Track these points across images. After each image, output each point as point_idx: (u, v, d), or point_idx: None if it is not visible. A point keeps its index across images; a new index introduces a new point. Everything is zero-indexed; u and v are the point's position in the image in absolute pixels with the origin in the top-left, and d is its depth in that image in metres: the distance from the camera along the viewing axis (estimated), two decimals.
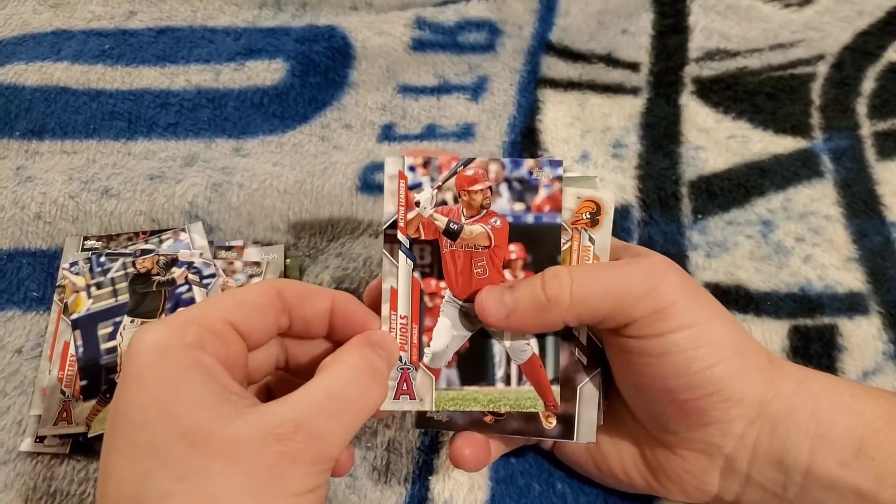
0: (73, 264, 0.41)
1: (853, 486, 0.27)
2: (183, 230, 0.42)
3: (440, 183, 0.30)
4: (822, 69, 0.47)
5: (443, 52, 0.50)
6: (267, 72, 0.49)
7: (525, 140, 0.46)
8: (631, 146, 0.45)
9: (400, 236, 0.30)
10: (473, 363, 0.30)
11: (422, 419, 0.31)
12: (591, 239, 0.30)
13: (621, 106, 0.47)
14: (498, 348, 0.30)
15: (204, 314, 0.26)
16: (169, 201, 0.42)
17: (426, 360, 0.30)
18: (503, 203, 0.30)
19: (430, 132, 0.47)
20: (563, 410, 0.31)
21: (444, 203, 0.30)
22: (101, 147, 0.47)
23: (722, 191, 0.43)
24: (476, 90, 0.49)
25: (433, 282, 0.30)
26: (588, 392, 0.31)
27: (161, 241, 0.41)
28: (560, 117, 0.47)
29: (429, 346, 0.30)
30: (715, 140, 0.45)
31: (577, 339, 0.31)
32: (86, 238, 0.42)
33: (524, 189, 0.30)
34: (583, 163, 0.45)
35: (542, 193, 0.30)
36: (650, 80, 0.48)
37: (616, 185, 0.43)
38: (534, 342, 0.30)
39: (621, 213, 0.42)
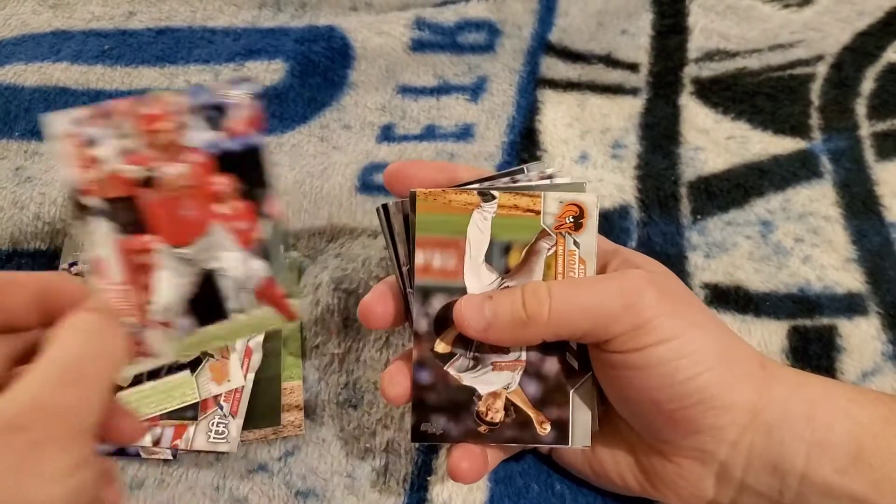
0: (72, 264, 0.41)
1: (850, 493, 0.27)
2: None
3: (124, 131, 0.27)
4: (822, 70, 0.47)
5: (442, 52, 0.50)
6: (266, 72, 0.49)
7: (524, 140, 0.46)
8: (630, 147, 0.45)
9: (88, 200, 0.27)
10: (206, 304, 0.29)
11: (416, 433, 0.31)
12: (575, 243, 0.30)
13: (620, 106, 0.47)
14: (226, 282, 0.29)
15: None
16: None
17: (155, 316, 0.28)
18: (199, 135, 0.27)
19: (429, 133, 0.47)
20: (556, 416, 0.31)
21: (132, 152, 0.27)
22: None
23: (721, 191, 0.43)
24: (475, 91, 0.49)
25: (138, 238, 0.27)
26: (581, 396, 0.31)
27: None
28: (559, 118, 0.47)
29: (154, 301, 0.28)
30: (714, 140, 0.45)
31: (567, 344, 0.31)
32: None
33: (219, 115, 0.27)
34: (582, 163, 0.45)
35: (240, 115, 0.28)
36: (649, 80, 0.48)
37: (615, 185, 0.43)
38: (262, 265, 0.29)
39: (620, 214, 0.42)
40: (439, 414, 0.31)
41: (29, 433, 0.22)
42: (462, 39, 0.50)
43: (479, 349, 0.31)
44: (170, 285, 0.28)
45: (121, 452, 0.36)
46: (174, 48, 0.51)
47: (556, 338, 0.29)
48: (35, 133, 0.47)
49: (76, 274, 0.40)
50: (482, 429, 0.31)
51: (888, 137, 0.43)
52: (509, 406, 0.31)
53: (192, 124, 0.27)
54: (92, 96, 0.48)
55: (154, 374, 0.37)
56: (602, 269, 0.31)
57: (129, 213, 0.27)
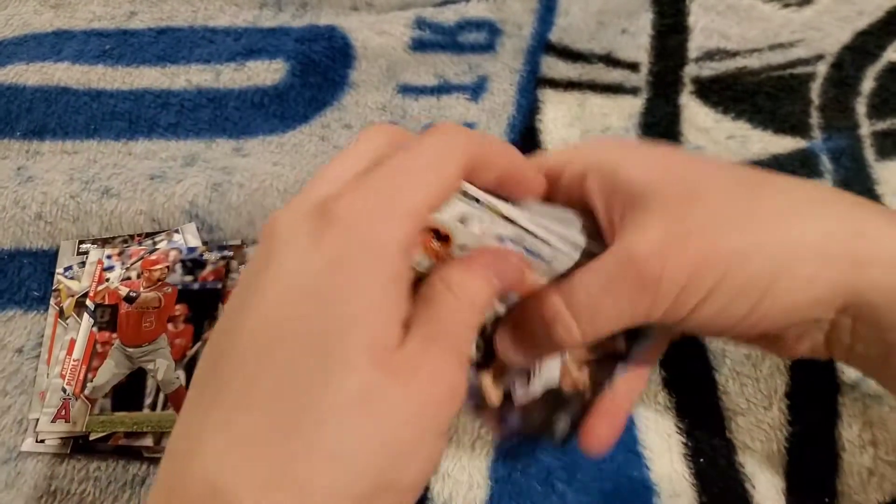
0: (67, 269, 0.41)
1: None
2: (176, 231, 0.42)
3: (129, 265, 0.41)
4: (822, 69, 0.47)
5: (443, 52, 0.50)
6: (267, 72, 0.49)
7: (525, 140, 0.46)
8: None
9: (87, 302, 0.40)
10: (127, 394, 0.37)
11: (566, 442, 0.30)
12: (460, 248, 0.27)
13: (621, 106, 0.47)
14: (150, 382, 0.37)
15: (416, 196, 0.23)
16: (169, 201, 0.42)
17: (87, 391, 0.37)
18: (176, 277, 0.40)
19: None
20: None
21: (129, 279, 0.40)
22: (101, 147, 0.47)
23: None
24: (476, 90, 0.49)
25: (107, 334, 0.39)
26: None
27: (155, 243, 0.41)
28: (560, 117, 0.47)
29: (92, 381, 0.37)
30: (714, 140, 0.45)
31: None
32: (81, 241, 0.42)
33: (195, 266, 0.40)
34: None
35: (209, 268, 0.40)
36: (650, 79, 0.48)
37: None
38: (183, 376, 0.37)
39: None
40: (557, 423, 0.30)
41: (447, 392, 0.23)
42: (462, 39, 0.51)
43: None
44: (109, 372, 0.38)
45: (122, 452, 0.36)
46: (175, 48, 0.51)
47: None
48: (36, 133, 0.47)
49: (71, 279, 0.41)
50: (588, 395, 0.30)
51: (888, 137, 0.43)
52: (582, 360, 0.30)
53: (175, 269, 0.40)
54: (93, 96, 0.48)
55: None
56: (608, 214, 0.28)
57: (108, 315, 0.39)
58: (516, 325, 0.28)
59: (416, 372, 0.22)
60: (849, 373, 0.36)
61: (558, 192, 0.29)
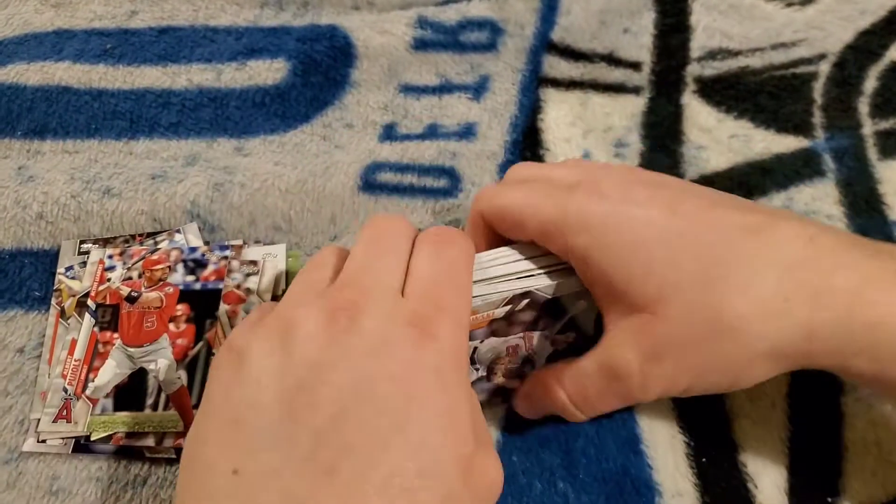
0: (68, 268, 0.41)
1: None
2: (178, 231, 0.42)
3: (130, 265, 0.41)
4: (824, 68, 0.47)
5: (444, 51, 0.50)
6: (268, 71, 0.49)
7: (527, 140, 0.46)
8: (633, 145, 0.45)
9: (89, 302, 0.40)
10: (129, 394, 0.37)
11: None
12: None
13: (623, 105, 0.47)
14: (152, 382, 0.37)
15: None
16: (171, 201, 0.42)
17: (88, 391, 0.37)
18: (178, 277, 0.40)
19: (431, 132, 0.47)
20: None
21: (130, 278, 0.40)
22: (102, 147, 0.47)
23: (724, 190, 0.42)
24: (478, 89, 0.48)
25: (108, 333, 0.39)
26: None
27: (156, 243, 0.41)
28: (562, 117, 0.47)
29: (93, 381, 0.37)
30: (717, 139, 0.45)
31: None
32: (82, 241, 0.42)
33: (196, 266, 0.40)
34: None
35: (211, 268, 0.40)
36: (652, 79, 0.48)
37: None
38: (184, 376, 0.37)
39: None
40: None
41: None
42: (464, 38, 0.50)
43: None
44: (110, 372, 0.38)
45: (124, 452, 0.36)
46: (176, 47, 0.51)
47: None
48: (37, 132, 0.47)
49: (72, 279, 0.41)
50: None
51: (891, 136, 0.43)
52: None
53: (177, 269, 0.40)
54: (94, 95, 0.48)
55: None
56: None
57: (109, 315, 0.39)
58: (530, 402, 0.34)
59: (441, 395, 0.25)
60: None
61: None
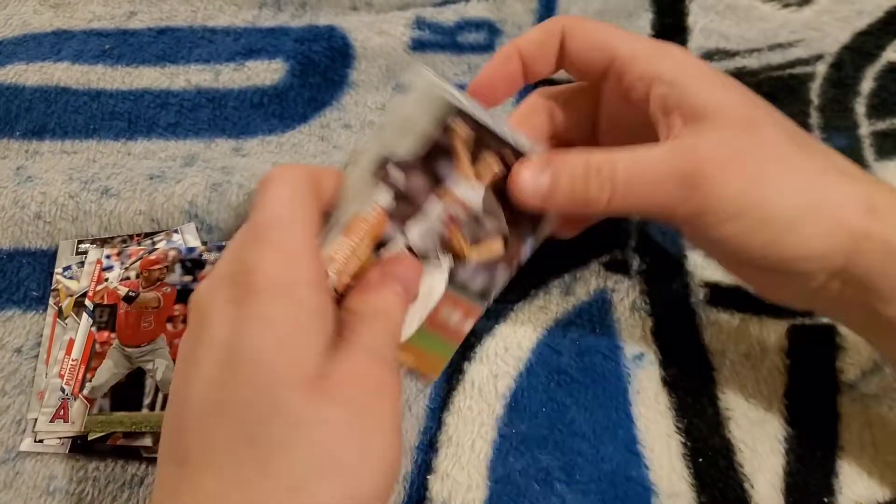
0: (66, 269, 0.41)
1: None
2: (175, 231, 0.42)
3: (128, 265, 0.40)
4: (821, 69, 0.47)
5: (442, 52, 0.50)
6: (266, 72, 0.49)
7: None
8: None
9: (86, 302, 0.39)
10: (126, 394, 0.37)
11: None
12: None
13: None
14: (149, 382, 0.37)
15: (304, 234, 0.27)
16: (169, 201, 0.42)
17: (85, 391, 0.37)
18: (175, 277, 0.40)
19: None
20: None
21: (128, 278, 0.40)
22: (101, 147, 0.47)
23: None
24: None
25: (106, 333, 0.39)
26: None
27: (154, 243, 0.41)
28: None
29: (90, 381, 0.37)
30: None
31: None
32: (80, 241, 0.42)
33: (194, 266, 0.40)
34: None
35: (209, 269, 0.40)
36: None
37: None
38: None
39: None
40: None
41: (382, 379, 0.27)
42: (462, 39, 0.51)
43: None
44: (107, 372, 0.38)
45: (121, 452, 0.36)
46: (175, 48, 0.51)
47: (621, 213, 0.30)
48: (36, 133, 0.47)
49: (69, 279, 0.41)
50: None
51: (887, 136, 0.43)
52: (503, 233, 0.32)
53: (174, 269, 0.40)
54: (93, 96, 0.48)
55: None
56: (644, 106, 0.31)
57: (107, 315, 0.39)
58: (554, 181, 0.30)
59: (347, 387, 0.25)
60: (848, 373, 0.36)
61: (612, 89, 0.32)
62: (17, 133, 0.47)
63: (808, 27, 0.48)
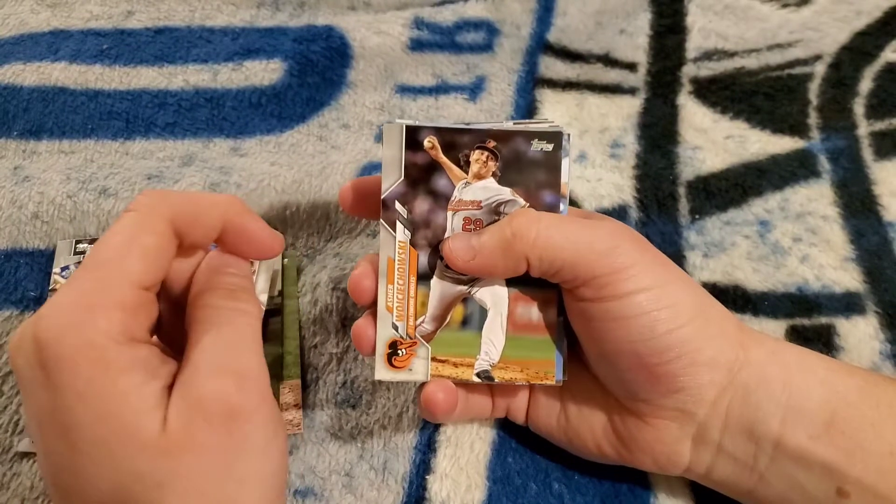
0: (64, 269, 0.41)
1: (822, 460, 0.28)
2: None
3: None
4: (820, 69, 0.47)
5: (441, 52, 0.50)
6: (265, 72, 0.49)
7: None
8: (629, 146, 0.45)
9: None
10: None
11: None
12: None
13: (619, 106, 0.47)
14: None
15: (116, 287, 0.24)
16: None
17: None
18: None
19: None
20: None
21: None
22: (98, 147, 0.47)
23: (719, 191, 0.43)
24: (474, 90, 0.49)
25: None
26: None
27: None
28: (558, 117, 0.47)
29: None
30: (712, 140, 0.45)
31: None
32: (78, 241, 0.42)
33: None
34: (580, 162, 0.45)
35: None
36: (648, 80, 0.48)
37: (613, 185, 0.43)
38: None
39: (618, 214, 0.42)
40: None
41: (237, 418, 0.24)
42: (460, 39, 0.51)
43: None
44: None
45: None
46: (173, 48, 0.51)
47: (539, 264, 0.29)
48: (33, 132, 0.47)
49: (67, 278, 0.40)
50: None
51: (886, 137, 0.44)
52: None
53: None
54: (90, 96, 0.48)
55: None
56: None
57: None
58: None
59: (196, 431, 0.23)
60: None
61: None
62: (15, 133, 0.47)
63: (807, 27, 0.48)
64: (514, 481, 0.35)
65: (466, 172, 0.31)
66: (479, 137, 0.30)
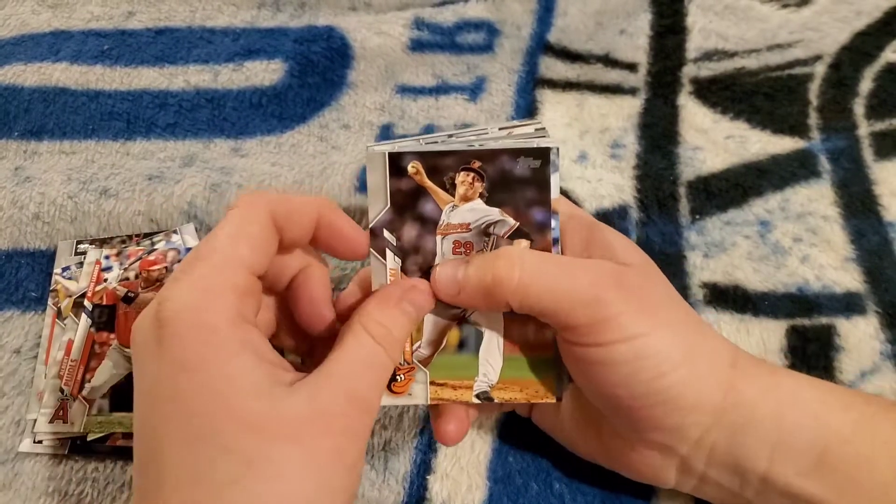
0: (65, 269, 0.41)
1: (810, 496, 0.27)
2: (175, 232, 0.42)
3: (127, 265, 0.40)
4: (820, 69, 0.47)
5: (441, 52, 0.50)
6: (265, 72, 0.49)
7: None
8: (629, 146, 0.45)
9: (85, 303, 0.38)
10: (125, 395, 0.36)
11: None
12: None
13: (619, 106, 0.47)
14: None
15: (230, 271, 0.26)
16: (167, 202, 0.42)
17: (85, 392, 0.36)
18: None
19: (428, 133, 0.47)
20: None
21: (127, 279, 0.40)
22: (99, 147, 0.47)
23: (720, 191, 0.43)
24: (474, 90, 0.49)
25: (105, 334, 0.38)
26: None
27: (153, 244, 0.41)
28: (558, 118, 0.47)
29: (90, 382, 0.36)
30: (713, 140, 0.45)
31: None
32: (79, 242, 0.42)
33: None
34: (581, 163, 0.45)
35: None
36: (648, 80, 0.48)
37: (614, 185, 0.43)
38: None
39: (619, 214, 0.42)
40: None
41: (344, 421, 0.25)
42: (461, 39, 0.51)
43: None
44: (106, 372, 0.37)
45: (120, 453, 0.36)
46: (173, 48, 0.51)
47: (520, 309, 0.29)
48: (34, 133, 0.47)
49: (68, 279, 0.41)
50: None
51: (886, 137, 0.44)
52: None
53: (173, 270, 0.39)
54: (91, 96, 0.48)
55: None
56: (581, 245, 0.31)
57: (106, 316, 0.39)
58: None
59: (306, 426, 0.24)
60: (847, 373, 0.36)
61: None
62: (16, 133, 0.47)
63: (807, 28, 0.48)
64: (514, 481, 0.35)
65: (453, 195, 0.30)
66: (464, 159, 0.30)
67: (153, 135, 0.47)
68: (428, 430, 0.36)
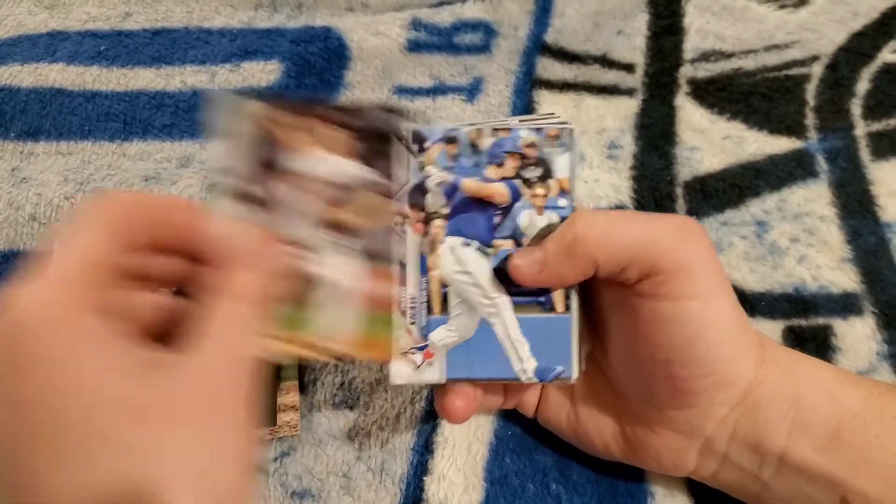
0: None
1: (826, 471, 0.28)
2: None
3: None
4: (817, 70, 0.47)
5: (438, 53, 0.50)
6: (262, 73, 0.49)
7: None
8: (626, 147, 0.45)
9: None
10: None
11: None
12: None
13: (616, 107, 0.47)
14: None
15: (83, 260, 0.25)
16: None
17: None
18: None
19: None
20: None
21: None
22: (96, 148, 0.47)
23: (717, 191, 0.43)
24: (471, 91, 0.49)
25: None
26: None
27: None
28: None
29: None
30: (710, 141, 0.45)
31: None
32: None
33: None
34: (579, 163, 0.45)
35: None
36: (645, 81, 0.48)
37: (611, 185, 0.43)
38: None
39: None
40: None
41: (226, 391, 0.24)
42: (458, 40, 0.51)
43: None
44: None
45: None
46: (170, 49, 0.51)
47: (606, 262, 0.28)
48: (31, 134, 0.47)
49: None
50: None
51: (883, 137, 0.44)
52: None
53: None
54: (88, 97, 0.48)
55: None
56: None
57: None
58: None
59: (187, 403, 0.23)
60: None
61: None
62: (12, 134, 0.47)
63: (804, 28, 0.48)
64: (511, 482, 0.35)
65: (315, 143, 0.30)
66: (347, 115, 0.30)
67: (150, 136, 0.47)
68: (426, 432, 0.36)
